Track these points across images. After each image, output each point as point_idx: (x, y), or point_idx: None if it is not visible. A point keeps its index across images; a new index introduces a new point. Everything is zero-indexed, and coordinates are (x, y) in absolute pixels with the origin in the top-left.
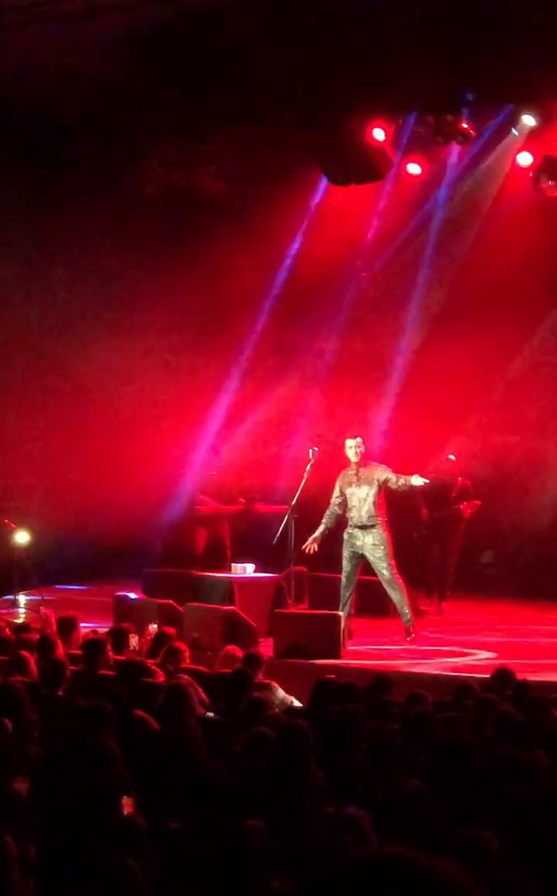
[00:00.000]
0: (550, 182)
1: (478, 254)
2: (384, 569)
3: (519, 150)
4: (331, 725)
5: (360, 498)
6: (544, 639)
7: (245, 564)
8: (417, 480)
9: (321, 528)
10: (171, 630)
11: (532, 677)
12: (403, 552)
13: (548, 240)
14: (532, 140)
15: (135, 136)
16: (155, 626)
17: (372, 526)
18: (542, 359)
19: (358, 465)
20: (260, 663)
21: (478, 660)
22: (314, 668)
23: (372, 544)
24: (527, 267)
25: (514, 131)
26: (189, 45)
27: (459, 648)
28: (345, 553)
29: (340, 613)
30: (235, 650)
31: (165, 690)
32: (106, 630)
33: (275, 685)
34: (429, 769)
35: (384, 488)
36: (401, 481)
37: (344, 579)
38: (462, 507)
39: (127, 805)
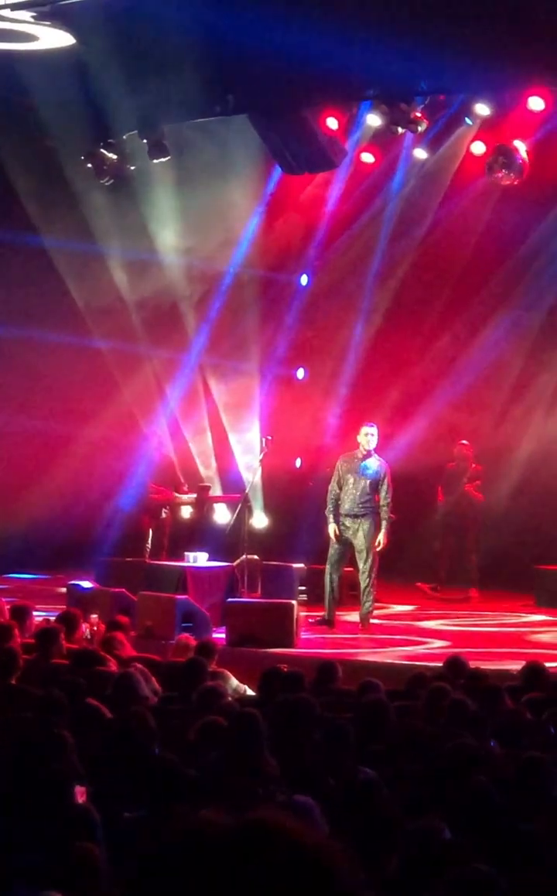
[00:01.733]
0: (503, 171)
1: (433, 243)
2: (364, 559)
3: (473, 140)
4: (284, 714)
5: (357, 487)
6: (497, 627)
7: (197, 553)
8: (382, 530)
9: (332, 513)
10: (124, 619)
11: (485, 666)
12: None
13: (502, 228)
14: (485, 129)
15: (87, 124)
16: (95, 616)
17: (364, 515)
18: (497, 347)
19: (367, 454)
20: (213, 652)
21: (432, 648)
22: (267, 656)
23: (361, 534)
24: (481, 255)
25: (467, 121)
26: (138, 34)
27: (413, 637)
28: (338, 540)
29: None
30: (188, 639)
31: (114, 679)
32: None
33: (229, 674)
34: (382, 758)
35: (378, 488)
36: (384, 510)
37: (329, 566)
38: (470, 490)
39: (80, 794)
